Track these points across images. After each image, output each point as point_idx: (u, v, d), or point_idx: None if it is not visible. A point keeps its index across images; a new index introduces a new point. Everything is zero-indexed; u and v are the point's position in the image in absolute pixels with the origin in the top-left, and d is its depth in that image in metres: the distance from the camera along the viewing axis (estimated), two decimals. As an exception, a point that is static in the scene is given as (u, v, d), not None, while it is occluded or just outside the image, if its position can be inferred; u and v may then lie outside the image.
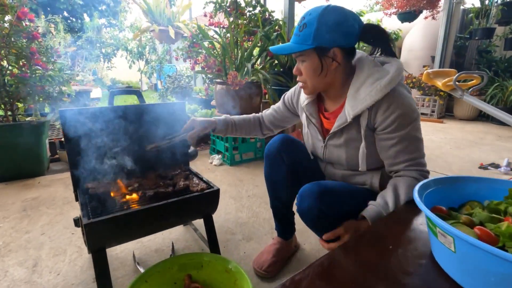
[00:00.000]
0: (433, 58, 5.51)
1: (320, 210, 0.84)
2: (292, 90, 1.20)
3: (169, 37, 3.98)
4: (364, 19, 6.32)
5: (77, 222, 1.14)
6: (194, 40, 3.04)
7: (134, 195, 1.10)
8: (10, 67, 2.00)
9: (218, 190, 1.17)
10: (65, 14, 8.10)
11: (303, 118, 1.13)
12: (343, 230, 0.85)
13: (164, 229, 1.24)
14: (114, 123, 1.20)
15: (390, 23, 6.02)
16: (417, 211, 0.83)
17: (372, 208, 0.84)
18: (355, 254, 0.67)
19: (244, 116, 1.28)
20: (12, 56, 1.91)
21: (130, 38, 5.24)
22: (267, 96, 3.01)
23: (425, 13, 4.85)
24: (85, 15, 8.35)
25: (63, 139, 1.15)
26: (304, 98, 1.07)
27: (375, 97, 0.83)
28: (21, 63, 2.01)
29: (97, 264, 0.99)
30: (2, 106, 2.00)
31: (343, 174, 1.04)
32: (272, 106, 1.27)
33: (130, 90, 1.33)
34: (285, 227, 1.25)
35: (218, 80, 2.49)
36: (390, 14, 5.03)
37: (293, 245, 1.30)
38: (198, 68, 3.16)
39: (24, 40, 1.96)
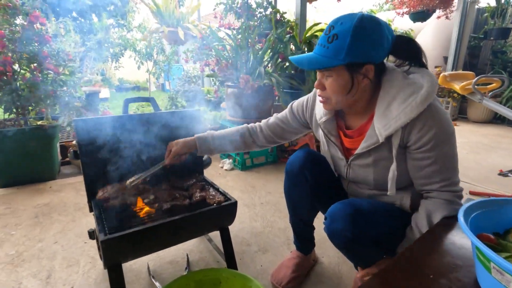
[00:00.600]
0: (445, 58, 5.39)
1: (353, 233, 0.79)
2: (302, 101, 1.10)
3: (178, 38, 3.96)
4: (375, 19, 6.21)
5: (91, 234, 1.11)
6: (205, 42, 3.00)
7: (150, 208, 1.06)
8: (22, 71, 1.98)
9: (235, 203, 1.13)
10: (74, 14, 8.14)
11: (320, 135, 1.05)
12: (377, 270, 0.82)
13: (180, 242, 1.21)
14: (129, 132, 1.17)
15: (402, 23, 5.91)
16: (453, 230, 0.78)
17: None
18: (393, 285, 0.62)
19: (229, 131, 1.17)
20: (24, 60, 1.90)
21: (139, 39, 5.23)
22: (277, 98, 2.97)
23: (438, 12, 4.73)
24: (93, 15, 8.37)
25: (77, 149, 1.12)
26: (321, 114, 0.98)
27: (411, 114, 0.76)
28: (32, 67, 2.00)
29: (113, 280, 0.96)
30: (14, 110, 1.99)
31: (369, 194, 0.97)
32: (276, 116, 1.17)
33: (144, 98, 1.29)
34: (304, 242, 1.21)
35: (230, 84, 2.45)
36: (402, 14, 4.93)
37: (312, 259, 1.26)
38: (207, 70, 3.13)
39: (36, 44, 1.94)
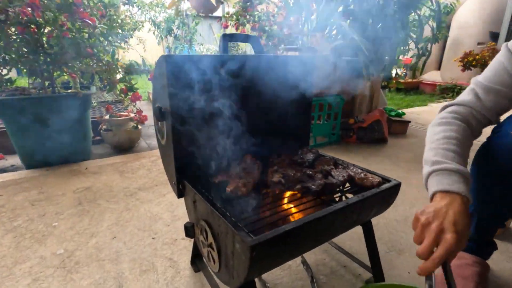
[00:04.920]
0: (492, 33, 4.91)
1: None
2: None
3: (209, 4, 3.52)
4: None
5: (189, 230, 0.75)
6: (248, 4, 2.57)
7: (293, 191, 0.70)
8: (47, 25, 1.58)
9: (399, 185, 0.77)
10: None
11: None
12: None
13: (327, 240, 0.87)
14: (235, 80, 0.79)
15: (446, -7, 5.38)
16: None
17: None
18: None
19: (461, 139, 0.67)
20: (52, 11, 1.49)
21: (158, 11, 4.77)
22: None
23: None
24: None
25: (161, 106, 0.75)
26: None
27: None
28: (60, 22, 1.60)
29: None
30: (44, 74, 1.61)
31: None
32: (482, 83, 0.71)
33: (244, 35, 0.91)
34: (487, 244, 0.86)
35: (290, 47, 2.04)
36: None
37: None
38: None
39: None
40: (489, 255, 0.86)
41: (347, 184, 0.79)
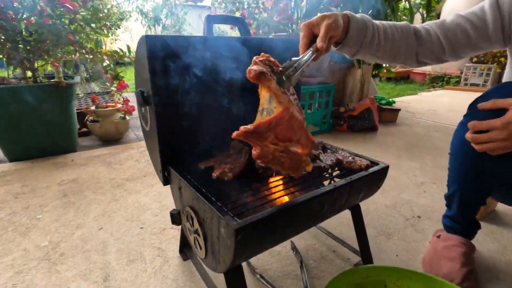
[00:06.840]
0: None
1: None
2: None
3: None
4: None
5: (175, 217, 0.74)
6: (237, -10, 2.51)
7: (276, 176, 0.68)
8: (25, 11, 1.51)
9: (387, 167, 0.76)
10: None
11: None
12: None
13: (314, 225, 0.87)
14: (220, 62, 0.77)
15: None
16: None
17: None
18: None
19: (387, 22, 0.77)
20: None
21: None
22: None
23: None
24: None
25: (145, 90, 0.72)
26: None
27: None
28: (38, 7, 1.53)
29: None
30: (25, 63, 1.54)
31: None
32: (459, 15, 0.76)
33: (233, 17, 0.88)
34: (471, 223, 0.86)
35: (281, 34, 2.01)
36: (441, -31, 4.40)
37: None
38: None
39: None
40: (474, 234, 0.87)
41: (336, 169, 0.78)
